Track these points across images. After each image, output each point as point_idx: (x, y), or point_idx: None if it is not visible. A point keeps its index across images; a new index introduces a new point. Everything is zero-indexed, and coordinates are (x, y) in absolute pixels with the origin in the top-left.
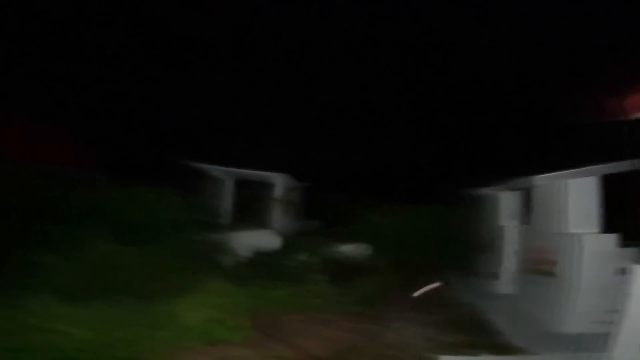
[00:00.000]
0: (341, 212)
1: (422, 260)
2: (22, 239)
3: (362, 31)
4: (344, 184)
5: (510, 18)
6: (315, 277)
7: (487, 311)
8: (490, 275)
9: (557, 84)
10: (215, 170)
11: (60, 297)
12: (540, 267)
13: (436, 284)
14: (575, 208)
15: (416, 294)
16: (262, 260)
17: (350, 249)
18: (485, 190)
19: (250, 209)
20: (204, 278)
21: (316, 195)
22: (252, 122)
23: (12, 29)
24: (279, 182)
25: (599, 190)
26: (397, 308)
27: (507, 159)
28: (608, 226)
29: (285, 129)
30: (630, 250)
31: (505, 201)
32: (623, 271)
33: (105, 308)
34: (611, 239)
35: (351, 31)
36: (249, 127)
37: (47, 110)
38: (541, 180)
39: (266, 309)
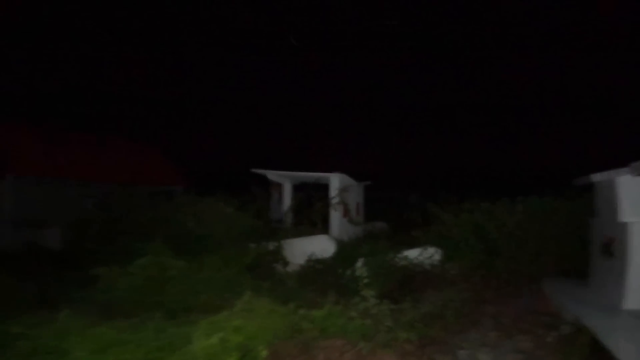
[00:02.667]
0: (411, 212)
1: (510, 265)
2: (92, 254)
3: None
4: (414, 181)
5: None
6: (372, 290)
7: (605, 334)
8: (604, 283)
9: None
10: (272, 174)
11: (99, 312)
12: None
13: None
14: None
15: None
16: (314, 271)
17: (418, 254)
18: (600, 176)
19: (308, 212)
20: (246, 293)
21: (382, 195)
22: (311, 122)
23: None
24: (338, 183)
25: None
26: (476, 330)
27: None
28: None
29: (347, 126)
30: None
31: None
32: None
33: (126, 326)
34: None
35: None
36: (307, 127)
37: (144, 133)
38: None
39: (301, 333)
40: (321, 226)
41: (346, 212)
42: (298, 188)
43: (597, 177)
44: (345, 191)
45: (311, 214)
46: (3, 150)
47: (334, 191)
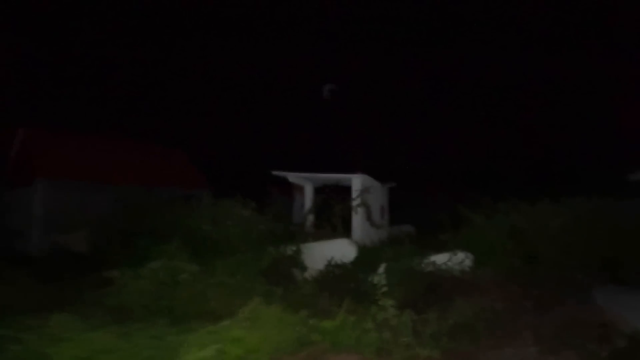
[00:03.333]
0: (439, 214)
1: (553, 272)
2: (113, 257)
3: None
4: (443, 182)
5: None
6: (391, 299)
7: None
8: None
9: None
10: (293, 177)
11: (109, 315)
12: None
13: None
14: None
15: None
16: (333, 277)
17: (446, 259)
18: None
19: (330, 215)
20: (253, 300)
21: (410, 197)
22: (336, 122)
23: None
24: (360, 184)
25: None
26: (514, 344)
27: None
28: None
29: (371, 126)
30: None
31: None
32: None
33: (123, 332)
34: None
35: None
36: (332, 128)
37: (170, 136)
38: None
39: (310, 346)
40: (342, 230)
41: (369, 215)
42: (321, 190)
43: None
44: (368, 193)
45: (331, 217)
46: (31, 155)
47: (355, 193)
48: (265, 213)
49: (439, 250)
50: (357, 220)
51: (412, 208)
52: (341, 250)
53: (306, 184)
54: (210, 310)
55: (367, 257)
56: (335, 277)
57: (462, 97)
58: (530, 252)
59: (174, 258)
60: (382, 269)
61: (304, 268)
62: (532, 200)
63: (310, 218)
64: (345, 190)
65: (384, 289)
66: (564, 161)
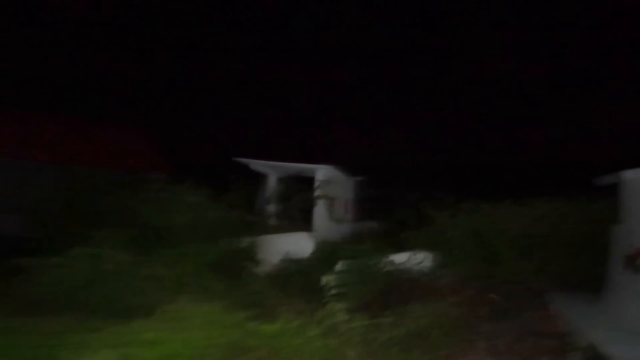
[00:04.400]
0: (404, 211)
1: (512, 276)
2: (48, 243)
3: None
4: (413, 179)
5: None
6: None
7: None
8: (628, 303)
9: None
10: (256, 165)
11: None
12: None
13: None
14: None
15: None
16: (287, 273)
17: (405, 259)
18: (634, 173)
19: (292, 207)
20: (188, 296)
21: (378, 193)
22: (299, 109)
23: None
24: (324, 176)
25: None
26: (468, 354)
27: None
28: None
29: (342, 117)
30: None
31: None
32: None
33: (12, 327)
34: None
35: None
36: (296, 115)
37: (127, 117)
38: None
39: (245, 352)
40: (302, 223)
41: (332, 209)
42: (285, 180)
43: (629, 175)
44: (331, 185)
45: (290, 208)
46: None
47: (319, 185)
48: (221, 201)
49: (401, 249)
50: (320, 213)
51: (379, 204)
52: (298, 244)
53: (270, 173)
54: (134, 307)
55: (325, 253)
56: (289, 273)
57: (434, 93)
58: (491, 254)
59: (105, 246)
60: (339, 266)
61: (257, 262)
62: (495, 201)
63: (272, 209)
64: (310, 182)
65: (334, 290)
66: (532, 162)
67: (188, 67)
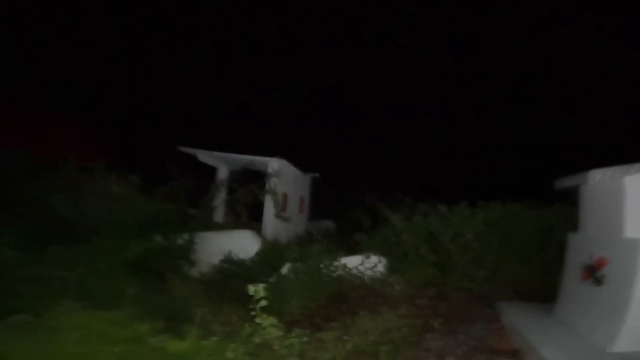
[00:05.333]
0: (360, 211)
1: (464, 283)
2: None
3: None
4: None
5: None
6: (290, 308)
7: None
8: (584, 316)
9: None
10: (204, 155)
11: None
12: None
13: None
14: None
15: None
16: (226, 275)
17: (357, 263)
18: (595, 175)
19: (239, 202)
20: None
21: (337, 191)
22: (253, 98)
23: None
24: (279, 170)
25: None
26: None
27: None
28: None
29: (301, 110)
30: None
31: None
32: None
33: None
34: None
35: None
36: (249, 104)
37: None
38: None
39: None
40: (250, 219)
41: (281, 206)
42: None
43: (590, 176)
44: (284, 180)
45: (236, 203)
46: None
47: (270, 179)
48: (158, 193)
49: (353, 251)
50: (269, 210)
51: (336, 202)
52: (241, 243)
53: (219, 165)
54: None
55: (272, 253)
56: (225, 276)
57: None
58: (444, 260)
59: None
60: (285, 269)
61: (191, 262)
62: (452, 202)
63: (217, 204)
64: (262, 176)
65: (263, 302)
66: (492, 165)
67: (135, 52)
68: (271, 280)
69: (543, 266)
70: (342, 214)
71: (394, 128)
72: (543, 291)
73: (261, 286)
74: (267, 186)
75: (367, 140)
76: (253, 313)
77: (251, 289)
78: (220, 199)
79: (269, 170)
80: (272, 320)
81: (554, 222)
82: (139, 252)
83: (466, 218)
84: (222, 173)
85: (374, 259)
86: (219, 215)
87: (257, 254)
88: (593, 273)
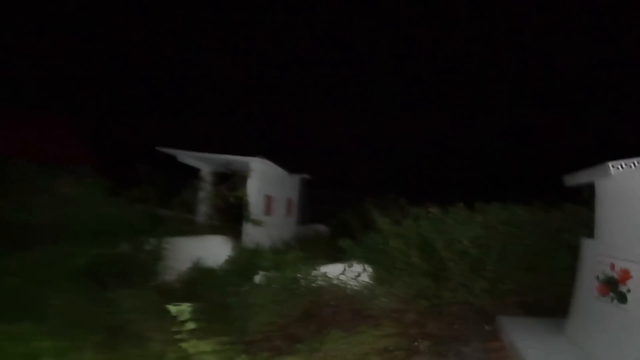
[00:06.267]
0: (350, 215)
1: (459, 295)
2: None
3: None
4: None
5: None
6: (258, 324)
7: None
8: (603, 336)
9: None
10: (185, 156)
11: None
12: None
13: None
14: None
15: None
16: (193, 284)
17: (339, 271)
18: (618, 169)
19: (216, 205)
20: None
21: (335, 194)
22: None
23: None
24: (257, 171)
25: None
26: None
27: None
28: None
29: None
30: None
31: None
32: None
33: None
34: None
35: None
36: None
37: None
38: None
39: None
40: (227, 223)
41: (269, 209)
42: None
43: (610, 170)
44: (269, 181)
45: (214, 206)
46: None
47: (252, 180)
48: (128, 196)
49: (338, 258)
50: (252, 213)
51: (329, 205)
52: (212, 249)
53: (201, 166)
54: None
55: (245, 261)
56: (192, 286)
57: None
58: (438, 269)
59: None
60: (258, 278)
61: (157, 270)
62: (448, 204)
63: (194, 207)
64: (243, 177)
65: (191, 324)
66: (491, 163)
67: (116, 53)
68: (244, 289)
69: (550, 276)
70: (335, 217)
71: (391, 127)
72: (550, 304)
73: (185, 307)
74: (249, 188)
75: (364, 141)
76: (178, 337)
77: (173, 309)
78: (198, 201)
79: (250, 171)
80: (206, 345)
81: (564, 226)
82: (87, 260)
83: (463, 221)
84: (206, 175)
85: (357, 267)
86: (199, 219)
87: (227, 261)
88: (614, 287)
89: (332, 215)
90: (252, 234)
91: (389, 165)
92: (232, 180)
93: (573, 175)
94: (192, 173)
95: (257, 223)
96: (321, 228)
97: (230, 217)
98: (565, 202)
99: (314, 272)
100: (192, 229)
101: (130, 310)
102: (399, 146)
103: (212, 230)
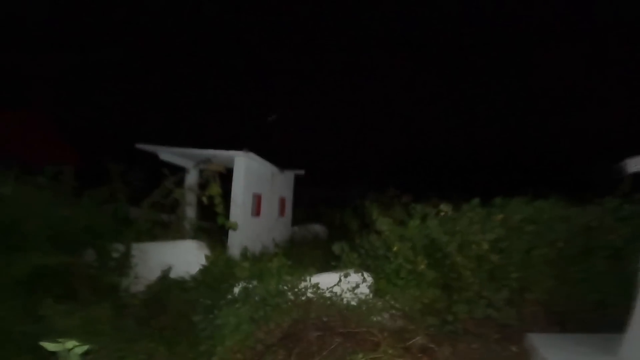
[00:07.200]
0: (349, 214)
1: (478, 307)
2: None
3: None
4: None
5: None
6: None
7: None
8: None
9: None
10: (166, 153)
11: None
12: None
13: None
14: None
15: None
16: (160, 297)
17: (333, 282)
18: None
19: (193, 205)
20: None
21: (324, 189)
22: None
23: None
24: (244, 167)
25: None
26: None
27: None
28: None
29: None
30: None
31: None
32: None
33: None
34: None
35: None
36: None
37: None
38: None
39: None
40: (213, 226)
41: (258, 209)
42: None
43: None
44: (258, 178)
45: (191, 206)
46: None
47: (237, 177)
48: (90, 196)
49: (332, 266)
50: (239, 215)
51: (329, 204)
52: (185, 256)
53: (185, 163)
54: None
55: (222, 270)
56: (156, 300)
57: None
58: (450, 277)
59: None
60: (236, 291)
61: (124, 280)
62: (460, 201)
63: (170, 208)
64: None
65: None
66: (512, 152)
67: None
68: (216, 304)
69: (587, 282)
70: (334, 217)
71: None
72: (588, 317)
73: (72, 345)
74: (235, 185)
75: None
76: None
77: (50, 345)
78: (176, 201)
79: (236, 167)
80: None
81: (601, 223)
82: (27, 270)
83: (479, 221)
84: (192, 174)
85: (354, 277)
86: (176, 221)
87: (201, 270)
88: None
89: (332, 215)
90: (238, 238)
91: (393, 158)
92: (205, 177)
93: (631, 161)
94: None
95: (231, 226)
96: (320, 229)
97: (213, 219)
98: (602, 195)
99: (303, 283)
100: (166, 233)
101: (63, 332)
102: (404, 136)
103: (189, 234)
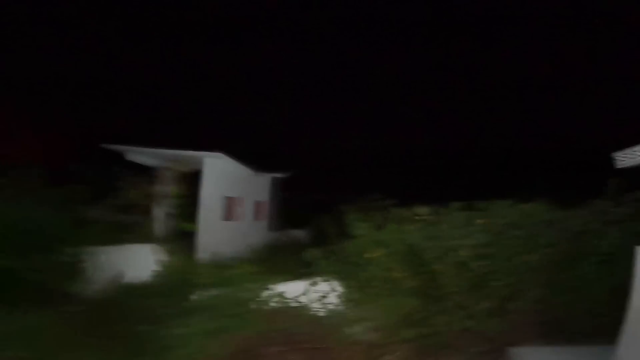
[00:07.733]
0: (327, 219)
1: (458, 319)
2: None
3: None
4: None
5: None
6: None
7: None
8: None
9: None
10: (134, 153)
11: None
12: None
13: None
14: None
15: None
16: (110, 305)
17: (300, 291)
18: None
19: (158, 207)
20: None
21: (302, 193)
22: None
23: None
24: (216, 169)
25: None
26: None
27: None
28: None
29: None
30: None
31: None
32: None
33: None
34: None
35: None
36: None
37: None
38: None
39: None
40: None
41: (230, 212)
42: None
43: None
44: (231, 180)
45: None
46: None
47: (207, 179)
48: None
49: (303, 274)
50: (209, 219)
51: (309, 207)
52: (139, 260)
53: (153, 163)
54: None
55: (180, 276)
56: (105, 307)
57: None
58: (429, 286)
59: None
60: (197, 297)
61: (75, 286)
62: (442, 204)
63: (134, 209)
64: (197, 175)
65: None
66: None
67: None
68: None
69: (576, 291)
70: (315, 222)
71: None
72: (577, 327)
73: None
74: (204, 187)
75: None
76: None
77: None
78: (138, 203)
79: (206, 169)
80: None
81: (589, 227)
82: None
83: (460, 225)
84: (168, 175)
85: (324, 285)
86: (139, 224)
87: (155, 276)
88: None
89: (318, 220)
90: (207, 242)
91: (383, 162)
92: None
93: (630, 153)
94: (147, 173)
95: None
96: (299, 234)
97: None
98: (589, 197)
99: (268, 292)
100: (124, 236)
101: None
102: (387, 140)
103: (154, 237)
